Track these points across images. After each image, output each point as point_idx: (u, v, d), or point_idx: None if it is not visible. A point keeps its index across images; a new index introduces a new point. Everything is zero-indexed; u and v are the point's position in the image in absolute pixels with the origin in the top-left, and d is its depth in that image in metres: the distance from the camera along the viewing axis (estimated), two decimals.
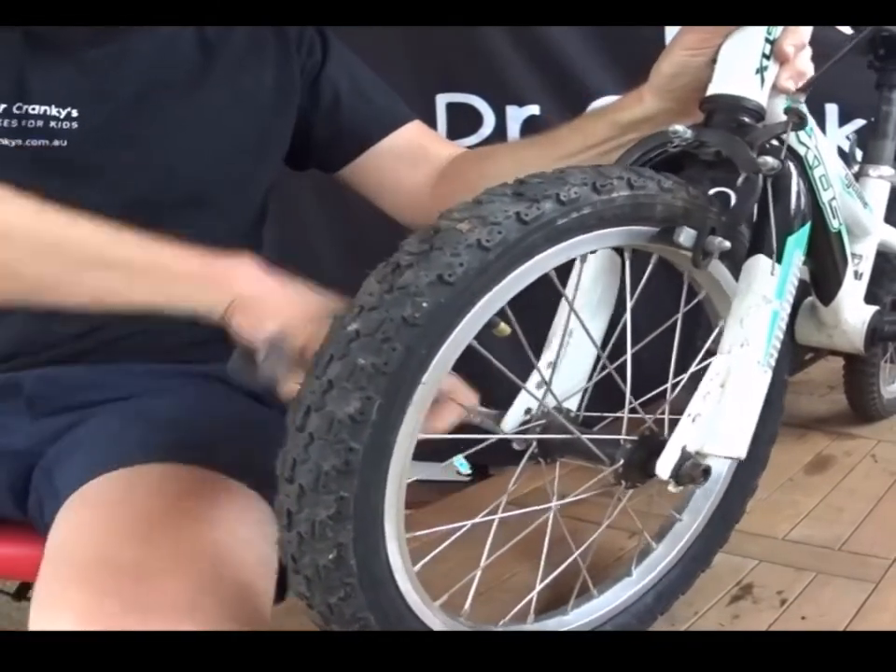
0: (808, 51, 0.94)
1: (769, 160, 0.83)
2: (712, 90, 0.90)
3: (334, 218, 1.97)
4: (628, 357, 0.86)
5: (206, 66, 1.10)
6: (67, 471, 0.98)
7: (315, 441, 0.67)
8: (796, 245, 0.87)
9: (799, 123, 0.88)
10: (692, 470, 0.83)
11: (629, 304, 0.85)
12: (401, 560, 0.75)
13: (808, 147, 1.02)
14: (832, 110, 1.86)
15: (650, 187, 0.78)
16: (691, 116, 0.92)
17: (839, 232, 1.15)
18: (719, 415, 0.84)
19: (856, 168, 1.41)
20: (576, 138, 1.09)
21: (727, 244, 0.82)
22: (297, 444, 0.68)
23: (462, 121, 1.94)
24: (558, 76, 1.90)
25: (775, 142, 0.86)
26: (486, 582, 0.94)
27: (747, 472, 1.02)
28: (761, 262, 0.86)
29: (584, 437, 0.84)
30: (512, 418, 0.87)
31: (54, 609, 0.82)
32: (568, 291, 0.85)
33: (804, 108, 0.89)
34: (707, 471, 0.84)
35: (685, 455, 0.83)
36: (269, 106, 1.14)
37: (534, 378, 0.88)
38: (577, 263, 0.80)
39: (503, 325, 0.74)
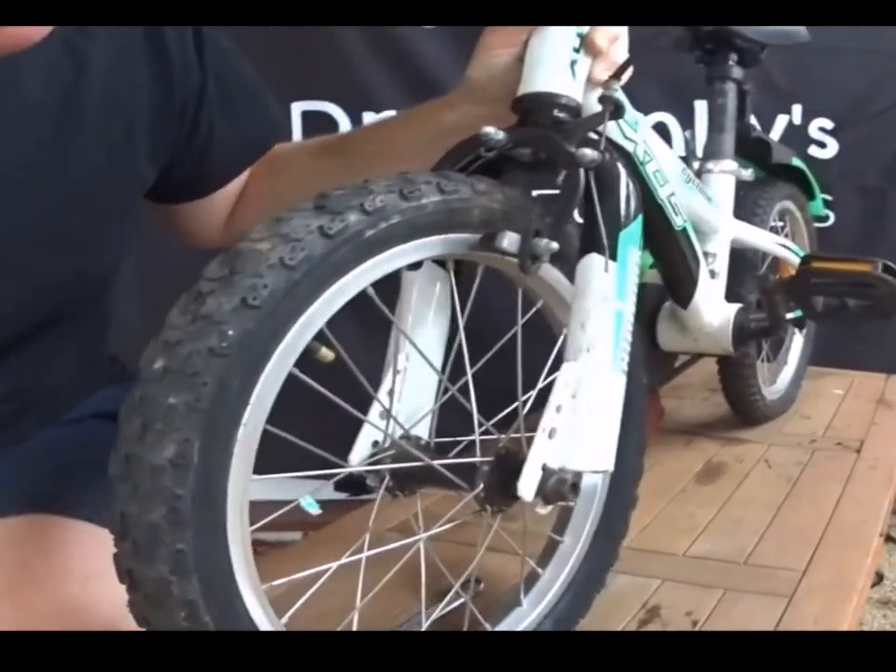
0: (624, 41, 0.90)
1: (588, 152, 0.80)
2: (522, 89, 0.87)
3: None
4: (469, 376, 0.81)
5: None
6: None
7: (139, 492, 0.62)
8: (630, 241, 0.83)
9: (616, 112, 0.85)
10: (558, 488, 0.79)
11: (461, 321, 0.81)
12: (262, 611, 0.70)
13: (636, 143, 1.00)
14: (796, 110, 2.04)
15: (462, 191, 0.75)
16: (506, 119, 0.88)
17: (685, 230, 1.13)
18: (576, 428, 0.80)
19: (697, 165, 1.40)
20: (377, 146, 1.03)
21: (555, 245, 0.78)
22: (122, 496, 0.63)
23: (318, 130, 1.89)
24: (415, 79, 1.89)
25: (594, 136, 0.83)
26: (375, 618, 0.89)
27: (623, 484, 0.98)
28: (594, 261, 0.82)
29: (435, 463, 0.80)
30: (359, 452, 0.83)
31: None
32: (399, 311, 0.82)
33: (620, 96, 0.86)
34: (574, 487, 0.80)
35: (548, 473, 0.79)
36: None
37: (378, 407, 0.84)
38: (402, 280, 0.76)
39: (324, 350, 0.70)
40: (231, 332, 0.62)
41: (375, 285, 0.72)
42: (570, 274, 0.85)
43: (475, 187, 0.76)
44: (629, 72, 0.89)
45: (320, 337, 0.69)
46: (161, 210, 1.10)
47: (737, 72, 1.41)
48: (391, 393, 0.84)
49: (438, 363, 0.85)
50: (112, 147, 0.94)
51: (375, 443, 0.84)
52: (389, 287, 0.79)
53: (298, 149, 1.13)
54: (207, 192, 1.09)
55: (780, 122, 2.13)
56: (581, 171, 0.80)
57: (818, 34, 1.91)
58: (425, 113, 1.01)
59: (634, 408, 0.93)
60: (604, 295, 0.81)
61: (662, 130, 2.04)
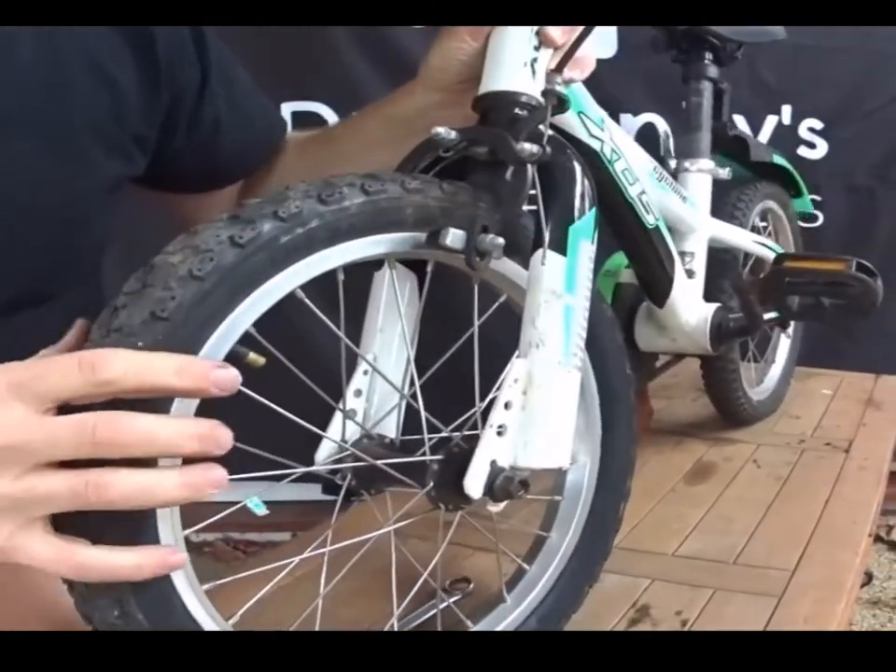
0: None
1: (527, 146, 0.79)
2: (483, 88, 0.86)
3: None
4: (416, 384, 0.81)
5: None
6: None
7: None
8: (582, 235, 0.81)
9: (558, 106, 0.85)
10: (506, 485, 0.78)
11: (404, 322, 0.81)
12: (186, 581, 0.69)
13: (602, 141, 0.99)
14: (786, 110, 2.06)
15: (391, 190, 0.74)
16: (460, 106, 0.88)
17: (657, 228, 1.12)
18: (526, 425, 0.79)
19: (673, 164, 1.39)
20: (351, 137, 1.03)
21: (500, 241, 0.77)
22: None
23: None
24: (405, 79, 1.86)
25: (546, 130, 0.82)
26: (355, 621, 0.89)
27: (613, 477, 0.96)
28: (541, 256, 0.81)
29: (379, 463, 0.79)
30: (324, 451, 0.83)
31: None
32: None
33: (561, 89, 0.86)
34: (524, 483, 0.79)
35: (496, 470, 0.78)
36: None
37: (347, 405, 0.85)
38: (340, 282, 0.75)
39: (253, 354, 0.69)
40: (140, 344, 0.62)
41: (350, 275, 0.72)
42: (527, 265, 0.83)
43: (406, 185, 0.75)
44: (590, 67, 0.90)
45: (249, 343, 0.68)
46: (171, 200, 1.10)
47: (713, 70, 1.40)
48: (358, 393, 0.85)
49: (404, 361, 0.85)
50: (98, 122, 0.93)
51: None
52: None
53: (290, 142, 1.13)
54: (221, 185, 1.10)
55: (770, 123, 2.12)
56: (528, 166, 0.79)
57: (807, 34, 1.93)
58: (388, 101, 1.02)
59: (621, 399, 0.93)
60: (553, 290, 0.80)
61: (651, 131, 2.04)
